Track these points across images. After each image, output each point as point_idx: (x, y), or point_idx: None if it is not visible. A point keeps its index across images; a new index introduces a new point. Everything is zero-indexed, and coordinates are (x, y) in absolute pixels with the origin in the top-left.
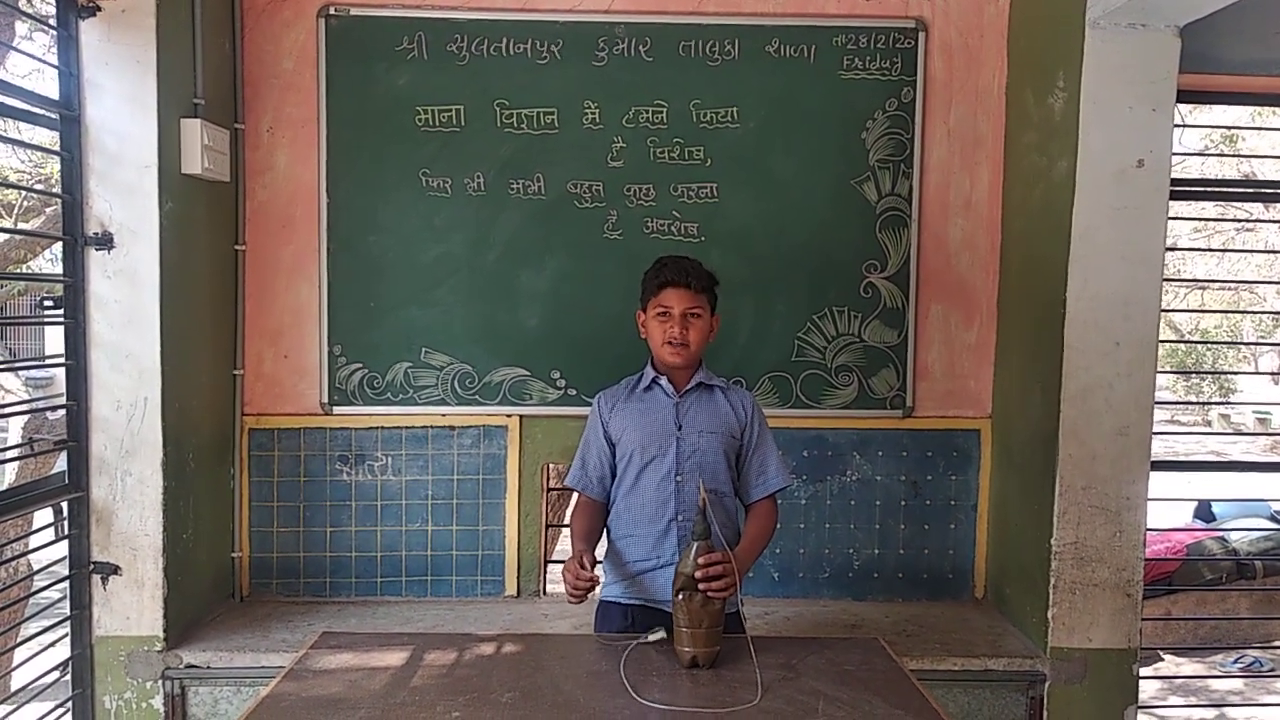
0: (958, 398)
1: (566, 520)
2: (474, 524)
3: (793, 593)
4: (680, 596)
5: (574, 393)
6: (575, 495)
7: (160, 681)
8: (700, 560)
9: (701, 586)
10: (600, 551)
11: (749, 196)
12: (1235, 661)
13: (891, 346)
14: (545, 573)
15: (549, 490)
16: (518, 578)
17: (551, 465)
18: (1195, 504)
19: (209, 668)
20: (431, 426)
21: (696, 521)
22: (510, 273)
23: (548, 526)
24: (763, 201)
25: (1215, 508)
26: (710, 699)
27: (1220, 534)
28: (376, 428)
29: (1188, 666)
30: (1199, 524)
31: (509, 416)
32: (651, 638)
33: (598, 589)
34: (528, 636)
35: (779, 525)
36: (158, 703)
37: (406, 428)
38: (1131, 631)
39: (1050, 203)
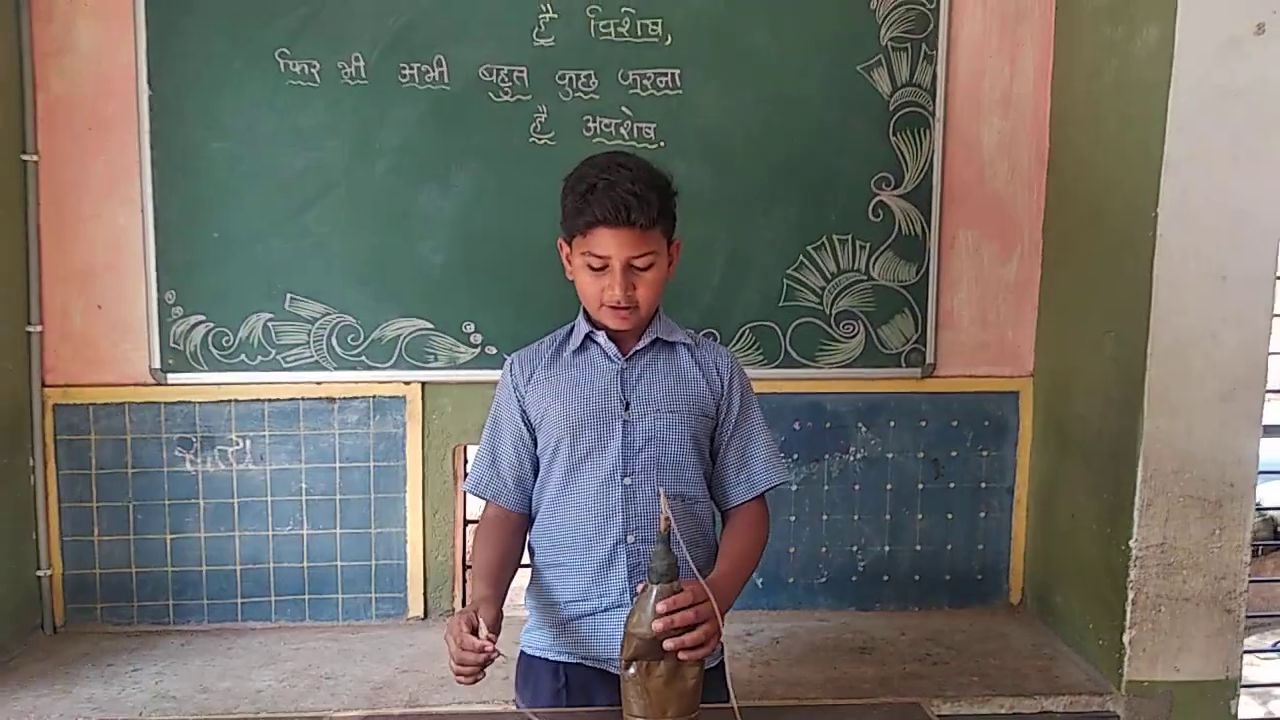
0: (991, 351)
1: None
2: (364, 526)
3: (781, 603)
4: (633, 670)
5: (493, 351)
6: (483, 506)
7: None
8: (660, 606)
9: (669, 645)
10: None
11: (723, 87)
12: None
13: (908, 286)
14: (463, 586)
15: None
16: (424, 595)
17: (467, 447)
18: None
19: None
20: (303, 398)
21: (655, 553)
22: (404, 191)
23: (466, 523)
24: (741, 94)
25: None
26: None
27: None
28: (228, 400)
29: None
30: None
31: (407, 384)
32: None
33: (496, 663)
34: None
35: None
36: None
37: (269, 400)
38: (1231, 658)
39: (1130, 86)
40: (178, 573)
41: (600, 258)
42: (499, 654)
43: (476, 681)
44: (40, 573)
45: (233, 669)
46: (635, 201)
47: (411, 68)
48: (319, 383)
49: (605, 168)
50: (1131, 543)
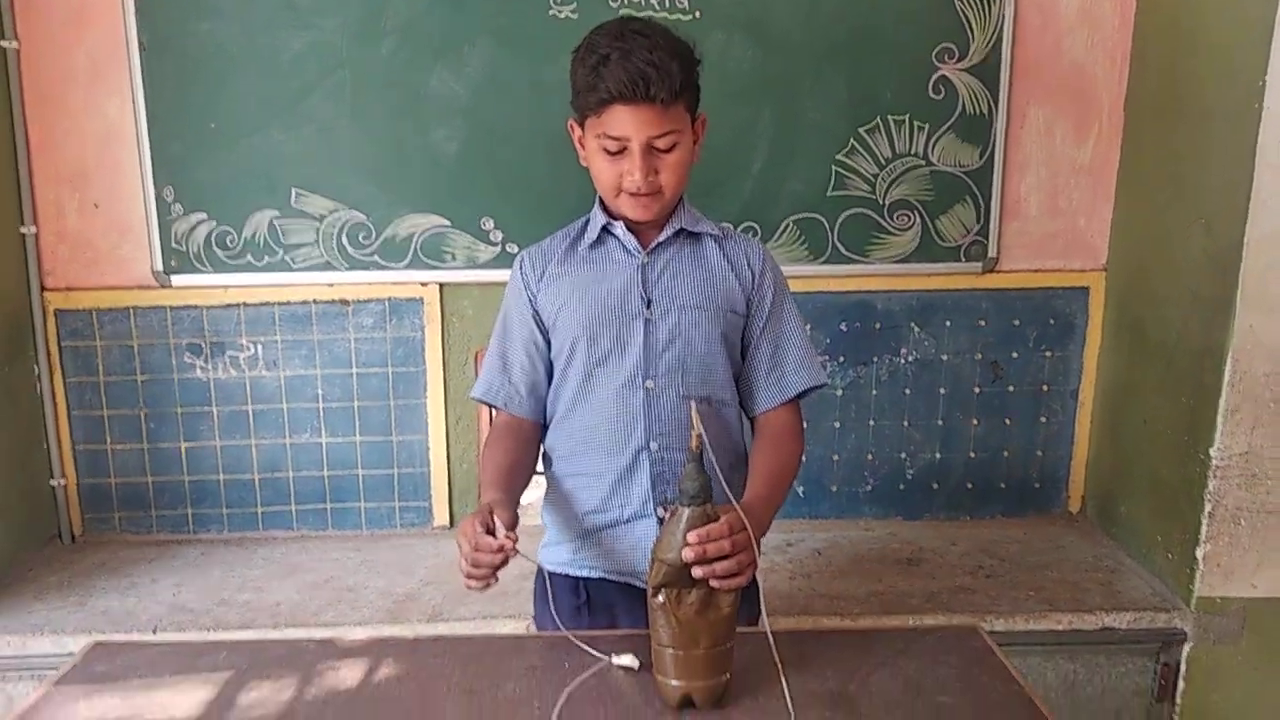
0: (1061, 243)
1: None
2: (385, 433)
3: (823, 512)
4: (661, 597)
5: (514, 249)
6: (492, 414)
7: None
8: (691, 537)
9: (698, 572)
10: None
11: None
12: None
13: (970, 171)
14: None
15: None
16: (450, 503)
17: None
18: None
19: None
20: (315, 301)
21: (686, 473)
22: (414, 73)
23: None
24: None
25: None
26: None
27: None
28: (236, 304)
29: None
30: None
31: (424, 285)
32: (618, 661)
33: (517, 563)
34: (420, 645)
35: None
36: None
37: (280, 303)
38: None
39: None
40: (195, 482)
41: (616, 139)
42: (517, 553)
43: (488, 587)
44: (54, 483)
45: (253, 580)
46: (654, 73)
47: None
48: (331, 284)
49: (618, 35)
50: (1212, 450)
